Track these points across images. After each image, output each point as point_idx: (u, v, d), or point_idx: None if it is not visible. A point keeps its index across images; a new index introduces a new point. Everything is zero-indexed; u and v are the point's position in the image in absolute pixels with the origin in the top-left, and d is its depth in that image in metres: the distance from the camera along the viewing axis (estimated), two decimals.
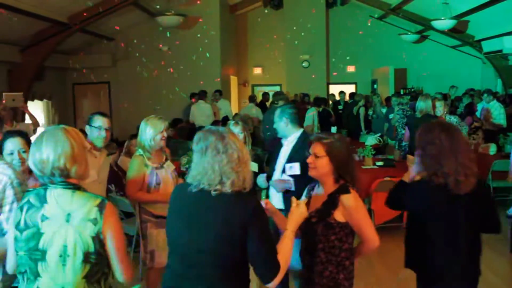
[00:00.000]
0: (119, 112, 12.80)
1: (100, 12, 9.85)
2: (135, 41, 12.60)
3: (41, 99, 11.58)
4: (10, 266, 2.29)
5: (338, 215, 2.60)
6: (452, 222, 2.67)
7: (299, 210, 2.47)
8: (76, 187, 2.18)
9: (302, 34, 14.47)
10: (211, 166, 2.19)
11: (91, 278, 2.16)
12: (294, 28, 14.53)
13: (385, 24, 14.66)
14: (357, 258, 2.77)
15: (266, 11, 15.31)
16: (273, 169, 4.10)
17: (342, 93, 13.31)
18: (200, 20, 12.51)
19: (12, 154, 2.96)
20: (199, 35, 12.53)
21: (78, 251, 2.10)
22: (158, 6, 11.54)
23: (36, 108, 10.84)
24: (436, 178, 2.64)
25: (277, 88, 15.17)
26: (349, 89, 14.73)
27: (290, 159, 3.89)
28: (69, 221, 2.11)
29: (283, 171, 3.90)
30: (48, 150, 2.11)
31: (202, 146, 2.24)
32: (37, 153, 2.13)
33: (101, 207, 2.14)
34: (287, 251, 2.31)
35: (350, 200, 2.60)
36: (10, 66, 9.97)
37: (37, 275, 2.14)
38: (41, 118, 10.70)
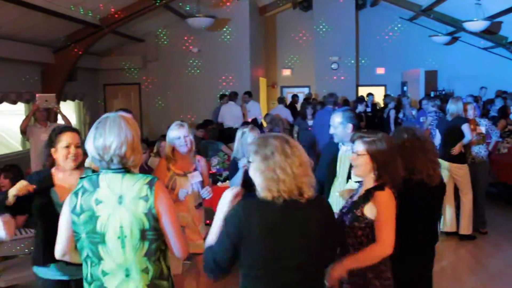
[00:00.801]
0: (149, 113, 12.95)
1: (131, 14, 9.99)
2: (166, 42, 12.75)
3: (73, 100, 11.79)
4: (58, 250, 2.37)
5: (367, 211, 2.63)
6: (431, 209, 3.10)
7: None
8: (126, 171, 2.24)
9: (332, 35, 14.38)
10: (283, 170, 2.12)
11: (151, 256, 2.22)
12: (324, 29, 14.45)
13: (415, 25, 14.45)
14: (354, 263, 2.63)
15: (295, 12, 15.24)
16: (332, 174, 3.98)
17: (370, 95, 13.17)
18: (230, 22, 12.56)
19: (68, 147, 2.98)
20: (228, 37, 12.59)
21: (134, 230, 2.17)
22: (188, 8, 11.64)
23: (68, 109, 11.04)
24: (414, 176, 2.95)
25: (306, 90, 15.11)
26: (378, 91, 14.57)
27: None
28: (121, 203, 2.17)
29: (349, 176, 3.78)
30: (111, 137, 2.17)
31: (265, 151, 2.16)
32: (100, 138, 2.18)
33: (151, 184, 2.20)
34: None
35: (382, 197, 2.62)
36: (44, 67, 10.19)
37: (100, 258, 2.21)
38: (72, 118, 10.89)
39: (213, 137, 9.06)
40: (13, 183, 4.78)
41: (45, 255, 2.95)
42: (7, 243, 4.01)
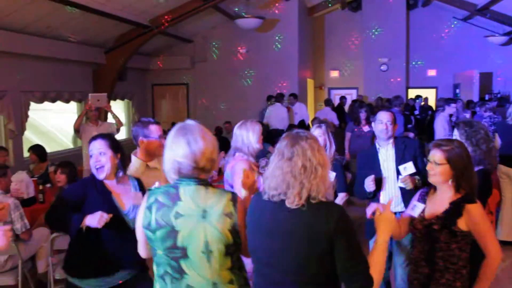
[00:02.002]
0: (197, 113, 13.03)
1: (180, 15, 10.06)
2: (214, 43, 12.78)
3: (122, 99, 12.00)
4: (142, 253, 2.37)
5: (462, 224, 2.58)
6: None
7: (386, 217, 2.29)
8: (207, 183, 2.17)
9: (381, 36, 14.06)
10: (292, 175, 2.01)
11: (234, 268, 2.19)
12: (373, 30, 14.14)
13: (470, 25, 13.93)
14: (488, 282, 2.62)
15: (344, 13, 15.00)
16: (378, 174, 3.94)
17: (419, 97, 12.78)
18: (279, 23, 12.47)
19: (92, 156, 2.92)
20: (277, 37, 12.51)
21: (220, 246, 2.11)
22: (237, 9, 11.63)
23: (117, 108, 11.23)
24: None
25: (354, 92, 14.84)
26: (429, 93, 14.15)
27: (400, 161, 3.86)
28: (205, 217, 2.11)
29: (398, 173, 3.85)
30: (206, 143, 2.13)
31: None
32: (196, 143, 2.10)
33: (234, 200, 2.17)
34: (380, 264, 2.10)
35: (477, 210, 2.58)
36: (95, 67, 10.41)
37: (183, 272, 2.14)
38: (121, 117, 11.08)
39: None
40: (69, 179, 4.90)
41: (84, 268, 2.88)
42: (62, 236, 4.03)
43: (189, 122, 2.21)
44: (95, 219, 2.69)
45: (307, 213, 1.98)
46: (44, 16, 7.88)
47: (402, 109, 9.51)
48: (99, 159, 2.89)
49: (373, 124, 4.16)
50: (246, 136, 3.79)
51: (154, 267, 2.23)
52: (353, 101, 12.72)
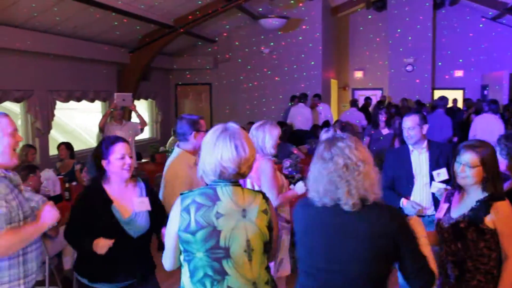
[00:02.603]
0: (220, 114, 13.02)
1: (204, 15, 10.05)
2: (237, 43, 12.76)
3: (146, 99, 12.06)
4: (168, 264, 2.30)
5: (489, 222, 2.53)
6: None
7: (415, 219, 2.28)
8: (239, 184, 2.22)
9: (407, 36, 13.85)
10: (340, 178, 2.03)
11: (268, 268, 2.26)
12: (398, 30, 13.93)
13: (499, 25, 13.61)
14: None
15: (368, 12, 14.82)
16: (408, 177, 3.91)
17: (444, 98, 12.51)
18: (302, 23, 12.39)
19: (123, 158, 2.88)
20: (300, 38, 12.43)
21: (260, 243, 2.16)
22: (260, 9, 11.58)
23: (141, 107, 11.29)
24: None
25: (379, 93, 14.65)
26: (456, 95, 13.87)
27: (434, 166, 3.81)
28: (245, 216, 2.15)
29: (431, 178, 3.79)
30: (249, 148, 2.18)
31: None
32: (227, 152, 2.14)
33: (266, 199, 2.24)
34: (431, 256, 2.16)
35: (505, 207, 2.53)
36: (120, 67, 10.47)
37: (224, 273, 2.13)
38: (145, 117, 11.14)
39: (284, 139, 8.91)
40: None
41: (95, 273, 2.88)
42: None
43: (232, 125, 2.24)
44: (102, 248, 2.74)
45: (367, 215, 2.01)
46: (70, 17, 7.95)
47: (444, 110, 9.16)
48: (127, 160, 2.89)
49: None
50: (262, 138, 3.76)
51: (187, 274, 2.18)
52: (378, 102, 12.53)
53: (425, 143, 3.90)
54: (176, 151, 3.50)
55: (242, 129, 2.23)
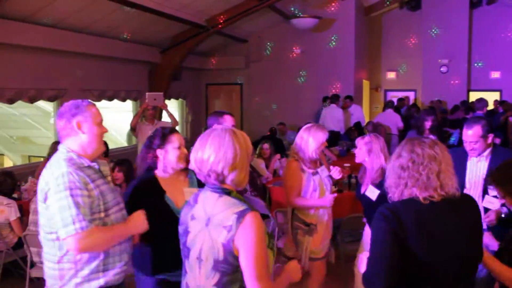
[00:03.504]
0: (250, 114, 12.96)
1: (236, 14, 10.01)
2: (269, 43, 12.68)
3: (176, 98, 12.09)
4: None
5: None
6: None
7: None
8: (226, 192, 2.06)
9: (442, 36, 13.53)
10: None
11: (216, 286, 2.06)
12: (433, 30, 13.63)
13: None
14: None
15: (402, 12, 14.53)
16: (461, 187, 3.61)
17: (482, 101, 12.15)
18: (335, 23, 12.23)
19: (179, 148, 2.94)
20: (332, 38, 12.26)
21: (209, 257, 2.03)
22: (292, 9, 11.47)
23: (172, 107, 11.31)
24: None
25: (411, 94, 14.37)
26: (493, 97, 13.48)
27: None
28: (208, 225, 2.05)
29: (484, 191, 3.40)
30: (210, 151, 2.04)
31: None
32: (199, 151, 2.07)
33: (240, 215, 1.96)
34: None
35: None
36: (151, 67, 10.51)
37: (185, 271, 2.20)
38: (176, 116, 11.18)
39: None
40: (126, 177, 4.93)
41: (156, 265, 2.88)
42: None
43: (218, 126, 2.16)
44: (142, 223, 2.66)
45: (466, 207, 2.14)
46: (103, 17, 8.01)
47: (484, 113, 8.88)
48: (184, 150, 2.96)
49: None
50: (305, 142, 3.71)
51: None
52: (411, 106, 12.22)
53: (488, 152, 3.53)
54: None
55: (221, 132, 2.06)
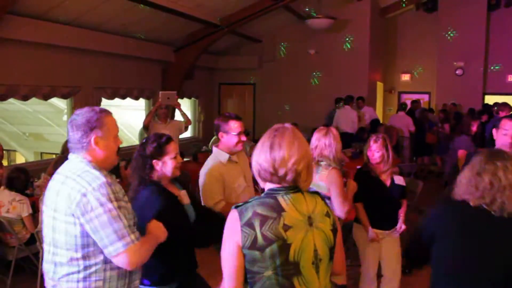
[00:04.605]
0: (263, 114, 12.91)
1: (250, 14, 9.97)
2: (283, 43, 12.62)
3: (189, 98, 12.08)
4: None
5: None
6: None
7: None
8: (300, 190, 2.01)
9: (458, 38, 13.37)
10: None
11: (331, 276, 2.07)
12: (449, 32, 13.48)
13: None
14: None
15: (418, 14, 14.38)
16: None
17: (497, 104, 11.99)
18: (350, 24, 12.14)
19: (175, 158, 2.90)
20: (347, 39, 12.17)
21: (326, 250, 1.99)
22: (307, 9, 11.41)
23: (185, 106, 11.31)
24: None
25: (425, 96, 14.22)
26: (509, 100, 13.28)
27: None
28: (312, 224, 1.96)
29: None
30: (292, 149, 1.95)
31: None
32: (279, 149, 1.95)
33: (323, 199, 2.08)
34: None
35: None
36: (164, 65, 10.51)
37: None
38: (189, 115, 11.18)
39: None
40: None
41: (170, 274, 2.86)
42: None
43: (284, 125, 2.06)
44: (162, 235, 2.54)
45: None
46: (118, 15, 8.02)
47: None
48: (179, 159, 2.94)
49: (494, 131, 3.79)
50: (329, 143, 3.70)
51: None
52: (423, 110, 12.06)
53: None
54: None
55: (292, 130, 2.01)
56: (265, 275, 1.88)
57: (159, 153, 2.85)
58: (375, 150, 4.01)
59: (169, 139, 2.93)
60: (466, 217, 2.20)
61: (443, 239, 2.23)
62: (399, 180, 4.08)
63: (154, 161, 2.84)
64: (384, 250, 4.06)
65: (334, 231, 2.04)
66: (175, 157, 2.90)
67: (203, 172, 3.50)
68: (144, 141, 2.96)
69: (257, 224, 1.88)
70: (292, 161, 1.93)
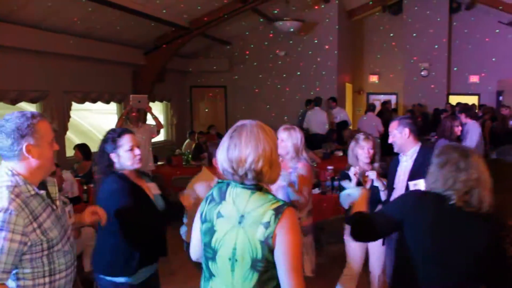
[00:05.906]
0: (235, 116, 12.96)
1: (220, 17, 10.02)
2: (252, 45, 12.72)
3: (161, 101, 12.04)
4: (192, 253, 2.26)
5: None
6: None
7: None
8: (258, 188, 1.98)
9: (422, 40, 13.74)
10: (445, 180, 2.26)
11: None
12: (414, 34, 13.84)
13: None
14: None
15: (384, 16, 14.71)
16: (391, 188, 3.79)
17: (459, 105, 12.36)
18: (318, 26, 12.32)
19: (132, 150, 2.95)
20: (316, 41, 12.35)
21: (246, 257, 1.93)
22: (276, 12, 11.53)
23: (156, 110, 11.27)
24: None
25: (393, 97, 14.54)
26: (471, 101, 13.73)
27: (412, 176, 3.55)
28: (241, 223, 1.94)
29: (406, 189, 3.55)
30: (248, 149, 1.92)
31: (442, 159, 2.31)
32: (235, 149, 1.94)
33: (278, 211, 1.90)
34: None
35: None
36: (135, 68, 10.45)
37: (211, 274, 2.06)
38: (160, 119, 11.14)
39: None
40: None
41: (137, 262, 2.95)
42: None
43: (246, 122, 2.02)
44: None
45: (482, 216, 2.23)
46: (85, 17, 7.93)
47: None
48: (136, 151, 2.98)
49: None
50: (296, 141, 3.83)
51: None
52: (392, 110, 12.31)
53: (414, 149, 3.74)
54: None
55: (253, 127, 1.97)
56: (202, 245, 2.10)
57: (114, 147, 2.94)
58: (369, 148, 4.00)
59: (122, 133, 2.99)
60: (437, 211, 2.26)
61: (411, 229, 2.31)
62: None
63: (111, 154, 2.95)
64: (371, 245, 4.06)
65: (265, 244, 1.90)
66: (131, 149, 2.95)
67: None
68: (102, 137, 3.05)
69: (207, 202, 2.09)
70: (249, 161, 1.91)
